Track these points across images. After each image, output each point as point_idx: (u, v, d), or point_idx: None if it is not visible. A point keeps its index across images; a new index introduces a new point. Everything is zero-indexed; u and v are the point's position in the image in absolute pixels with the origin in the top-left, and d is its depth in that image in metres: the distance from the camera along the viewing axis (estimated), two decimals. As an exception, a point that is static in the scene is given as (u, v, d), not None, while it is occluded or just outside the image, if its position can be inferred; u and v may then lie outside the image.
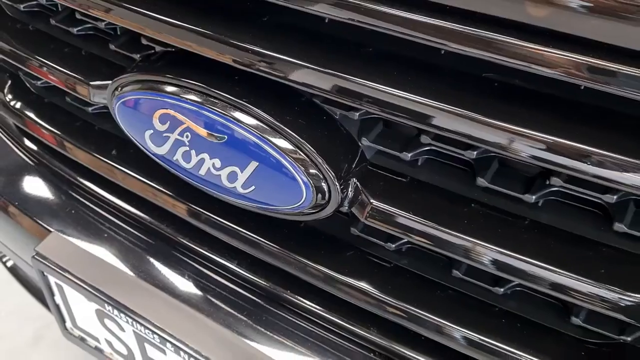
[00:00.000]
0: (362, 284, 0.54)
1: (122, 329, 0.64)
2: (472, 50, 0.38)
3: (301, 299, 0.59)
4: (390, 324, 0.54)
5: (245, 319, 0.58)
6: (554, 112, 0.40)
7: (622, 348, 0.47)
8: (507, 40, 0.37)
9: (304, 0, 0.42)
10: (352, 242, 0.56)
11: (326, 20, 0.43)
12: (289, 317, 0.59)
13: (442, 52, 0.41)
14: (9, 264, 0.99)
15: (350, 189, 0.49)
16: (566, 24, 0.35)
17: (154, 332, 0.59)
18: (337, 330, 0.58)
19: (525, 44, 0.36)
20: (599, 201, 0.42)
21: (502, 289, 0.50)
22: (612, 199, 0.42)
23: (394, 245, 0.53)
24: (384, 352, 0.56)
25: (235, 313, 0.59)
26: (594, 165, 0.39)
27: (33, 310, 1.07)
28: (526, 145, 0.40)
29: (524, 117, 0.41)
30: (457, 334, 0.51)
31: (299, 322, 0.59)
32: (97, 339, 0.71)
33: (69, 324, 0.73)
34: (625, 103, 0.36)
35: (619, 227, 0.42)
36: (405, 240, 0.52)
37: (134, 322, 0.60)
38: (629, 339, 0.46)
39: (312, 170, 0.48)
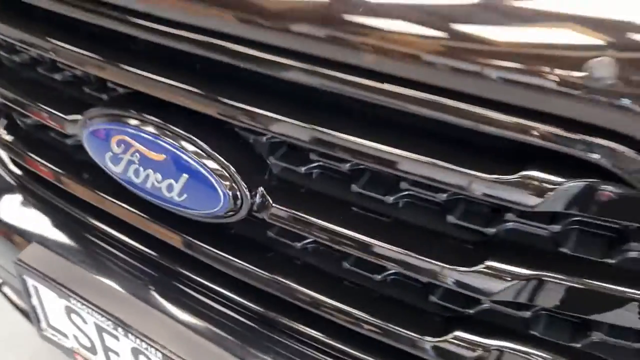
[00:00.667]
0: (276, 276, 0.67)
1: (85, 322, 0.77)
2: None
3: (232, 292, 0.72)
4: (301, 310, 0.67)
5: (187, 305, 0.71)
6: (402, 134, 0.53)
7: (469, 319, 0.60)
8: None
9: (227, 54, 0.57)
10: (270, 244, 0.70)
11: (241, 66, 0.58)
12: (224, 305, 0.72)
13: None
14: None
15: (258, 197, 0.63)
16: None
17: (108, 319, 0.71)
18: (253, 312, 0.71)
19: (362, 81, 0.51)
20: (436, 199, 0.56)
21: (379, 276, 0.63)
22: (442, 197, 0.56)
23: (299, 244, 0.67)
24: (297, 335, 0.69)
25: (178, 301, 0.72)
26: (426, 172, 0.52)
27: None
28: (383, 159, 0.54)
29: (381, 137, 0.54)
30: (348, 314, 0.63)
31: (232, 308, 0.72)
32: (66, 335, 0.83)
33: (43, 325, 0.86)
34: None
35: (450, 219, 0.56)
36: (309, 240, 0.66)
37: (94, 312, 0.73)
38: (471, 311, 0.59)
39: (228, 182, 0.62)
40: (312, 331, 0.67)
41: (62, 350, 0.86)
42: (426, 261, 0.55)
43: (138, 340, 0.70)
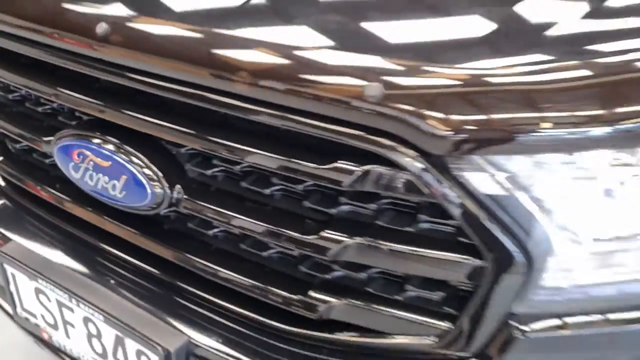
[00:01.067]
0: (190, 255, 0.87)
1: (49, 300, 0.97)
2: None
3: (157, 270, 0.92)
4: (207, 281, 0.87)
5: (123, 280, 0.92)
6: (264, 141, 0.75)
7: (327, 284, 0.80)
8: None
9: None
10: (192, 234, 0.91)
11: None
12: (150, 280, 0.92)
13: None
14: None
15: (176, 193, 0.84)
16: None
17: (65, 293, 0.92)
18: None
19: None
20: (297, 190, 0.78)
21: (266, 253, 0.84)
22: (300, 188, 0.77)
23: (211, 232, 0.88)
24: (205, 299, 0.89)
25: (116, 278, 0.92)
26: (279, 164, 0.73)
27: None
28: (254, 159, 0.75)
29: (252, 144, 0.76)
30: (242, 281, 0.83)
31: (155, 282, 0.92)
32: (35, 316, 1.03)
33: (18, 309, 1.06)
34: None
35: (306, 203, 0.77)
36: (219, 229, 0.87)
37: (55, 289, 0.93)
38: (328, 276, 0.79)
39: (156, 183, 0.84)
40: (215, 297, 0.87)
41: (33, 330, 1.06)
42: (289, 234, 0.76)
43: (87, 308, 0.90)
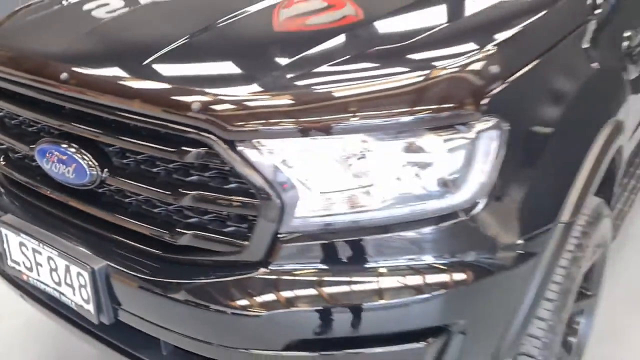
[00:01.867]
0: (116, 214, 1.40)
1: (27, 248, 1.50)
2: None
3: (93, 226, 1.45)
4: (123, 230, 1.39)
5: (70, 231, 1.45)
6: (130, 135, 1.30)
7: (187, 225, 1.31)
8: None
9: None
10: (115, 200, 1.44)
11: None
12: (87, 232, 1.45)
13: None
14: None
15: (104, 173, 1.37)
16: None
17: (36, 240, 1.45)
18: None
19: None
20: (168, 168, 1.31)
21: (156, 210, 1.36)
22: (171, 166, 1.30)
23: (127, 200, 1.41)
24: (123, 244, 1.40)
25: (66, 230, 1.45)
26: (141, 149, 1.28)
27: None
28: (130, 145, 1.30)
29: (145, 142, 1.30)
30: (144, 226, 1.35)
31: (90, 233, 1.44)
32: (18, 264, 1.56)
33: (8, 260, 1.59)
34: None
35: (174, 176, 1.30)
36: (132, 197, 1.40)
37: (31, 239, 1.46)
38: (186, 220, 1.31)
39: (92, 168, 1.38)
40: (126, 239, 1.39)
41: (17, 274, 1.58)
42: (165, 193, 1.29)
43: (49, 249, 1.43)
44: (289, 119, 1.15)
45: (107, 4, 1.77)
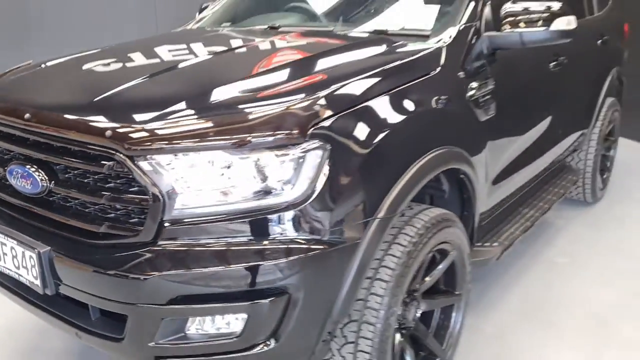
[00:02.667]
0: (61, 215, 1.94)
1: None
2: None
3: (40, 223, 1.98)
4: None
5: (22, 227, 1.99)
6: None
7: (109, 219, 1.85)
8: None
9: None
10: (61, 204, 1.97)
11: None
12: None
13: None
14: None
15: (52, 184, 1.92)
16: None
17: (4, 235, 1.98)
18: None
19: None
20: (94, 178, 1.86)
21: (87, 210, 1.90)
22: (96, 177, 1.85)
23: (69, 204, 1.95)
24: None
25: (20, 227, 1.99)
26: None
27: None
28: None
29: (76, 160, 1.85)
30: (80, 223, 1.88)
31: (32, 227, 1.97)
32: (-9, 256, 2.09)
33: (-16, 254, 2.12)
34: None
35: (98, 184, 1.85)
36: (74, 201, 1.94)
37: (1, 235, 2.00)
38: (105, 223, 1.84)
39: (43, 181, 1.92)
40: (67, 233, 1.91)
41: (-10, 265, 2.10)
42: (92, 199, 1.83)
43: (12, 240, 1.96)
44: (170, 141, 1.70)
45: (64, 69, 2.39)
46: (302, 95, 1.84)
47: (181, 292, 1.71)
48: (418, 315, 2.30)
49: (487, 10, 2.65)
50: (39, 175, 1.92)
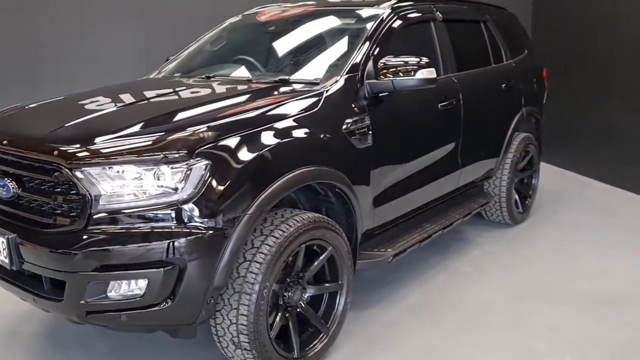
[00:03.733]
0: (28, 213, 2.71)
1: (-19, 234, 2.81)
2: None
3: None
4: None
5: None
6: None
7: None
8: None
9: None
10: (29, 205, 2.75)
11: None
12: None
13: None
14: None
15: (20, 190, 2.70)
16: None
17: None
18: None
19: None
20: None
21: (45, 207, 2.67)
22: (49, 184, 2.62)
23: (33, 204, 2.72)
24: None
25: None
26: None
27: None
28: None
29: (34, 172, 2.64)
30: (43, 219, 2.65)
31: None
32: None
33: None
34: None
35: (54, 189, 2.62)
36: (38, 201, 2.71)
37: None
38: (55, 216, 2.60)
39: (14, 188, 2.70)
40: (33, 225, 2.68)
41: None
42: (48, 202, 2.60)
43: (-10, 232, 2.74)
44: (98, 158, 2.47)
45: (37, 110, 3.23)
46: (195, 127, 2.61)
47: (101, 262, 2.44)
48: (306, 297, 3.00)
49: (370, 64, 3.42)
50: (11, 185, 2.70)
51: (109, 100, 3.28)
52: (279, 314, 2.90)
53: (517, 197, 5.29)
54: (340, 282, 3.20)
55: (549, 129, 7.40)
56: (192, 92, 3.38)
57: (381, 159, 3.43)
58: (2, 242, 2.65)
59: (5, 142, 2.75)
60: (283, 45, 3.99)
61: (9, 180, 2.71)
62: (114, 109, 3.11)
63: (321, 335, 3.10)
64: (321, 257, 3.03)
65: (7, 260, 2.65)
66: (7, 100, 4.10)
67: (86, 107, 3.22)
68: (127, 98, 3.33)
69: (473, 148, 4.47)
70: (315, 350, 3.07)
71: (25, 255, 2.62)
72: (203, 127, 2.62)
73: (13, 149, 2.71)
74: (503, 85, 4.88)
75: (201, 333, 3.11)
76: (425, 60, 3.32)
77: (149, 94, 3.40)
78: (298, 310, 3.00)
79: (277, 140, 2.80)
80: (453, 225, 4.33)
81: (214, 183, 2.52)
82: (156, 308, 2.50)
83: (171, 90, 3.46)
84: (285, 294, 2.92)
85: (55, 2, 6.95)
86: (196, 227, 2.49)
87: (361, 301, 3.82)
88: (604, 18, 6.63)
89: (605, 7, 6.59)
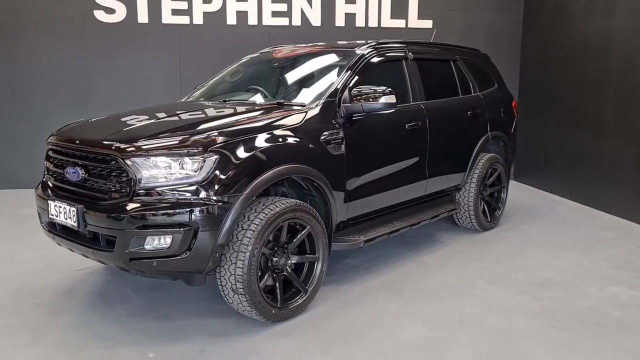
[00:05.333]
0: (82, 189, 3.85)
1: (57, 206, 3.95)
2: None
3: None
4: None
5: None
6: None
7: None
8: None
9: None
10: (89, 186, 3.89)
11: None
12: None
13: None
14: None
15: (83, 173, 3.84)
16: None
17: (58, 202, 3.91)
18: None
19: None
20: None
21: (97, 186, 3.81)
22: (106, 172, 3.75)
23: (94, 185, 3.86)
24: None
25: None
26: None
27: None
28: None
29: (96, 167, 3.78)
30: (99, 194, 3.78)
31: None
32: (53, 215, 4.00)
33: (48, 215, 4.03)
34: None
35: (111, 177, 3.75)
36: (96, 184, 3.85)
37: (58, 202, 3.92)
38: (111, 192, 3.73)
39: (82, 171, 3.85)
40: (88, 199, 3.82)
41: (52, 221, 4.01)
42: (106, 185, 3.74)
43: (64, 204, 3.87)
44: (141, 151, 3.60)
45: (98, 122, 4.41)
46: (209, 132, 3.73)
47: (141, 223, 3.54)
48: (290, 264, 4.05)
49: (346, 92, 4.52)
50: (81, 171, 3.85)
51: (147, 116, 4.45)
52: (268, 275, 3.94)
53: (486, 207, 6.24)
54: (317, 255, 4.23)
55: (532, 156, 8.52)
56: (210, 110, 4.53)
57: (351, 164, 4.48)
58: (73, 210, 3.78)
59: (77, 142, 3.91)
60: (284, 77, 5.14)
61: (79, 168, 3.85)
62: (152, 121, 4.28)
63: (301, 294, 4.13)
64: (302, 233, 4.08)
65: (76, 224, 3.78)
66: (66, 117, 5.38)
67: (132, 120, 4.38)
68: (161, 115, 4.49)
69: (439, 162, 5.48)
70: (296, 304, 4.08)
71: (89, 220, 3.73)
72: (215, 133, 3.73)
73: (83, 146, 3.87)
74: (469, 113, 5.92)
75: (213, 294, 4.17)
76: (388, 89, 4.40)
77: (178, 112, 4.57)
78: (284, 274, 4.03)
79: (268, 144, 3.89)
80: (420, 224, 5.31)
81: (221, 171, 3.62)
82: (177, 257, 3.57)
83: (195, 109, 4.63)
84: (273, 258, 3.96)
85: (105, 37, 8.38)
86: (207, 201, 3.58)
87: (339, 280, 4.82)
88: (575, 60, 7.67)
89: (576, 54, 7.64)
